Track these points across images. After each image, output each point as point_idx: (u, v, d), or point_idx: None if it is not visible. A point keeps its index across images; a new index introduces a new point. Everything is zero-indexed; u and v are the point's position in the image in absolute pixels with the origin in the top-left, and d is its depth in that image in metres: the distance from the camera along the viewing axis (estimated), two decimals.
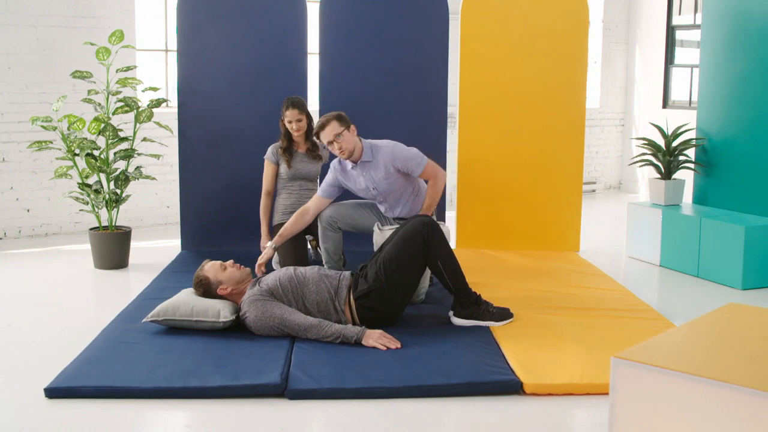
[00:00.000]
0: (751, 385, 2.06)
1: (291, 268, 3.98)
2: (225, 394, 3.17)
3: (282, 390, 3.19)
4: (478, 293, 4.05)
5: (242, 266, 3.99)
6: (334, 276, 3.96)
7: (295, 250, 4.79)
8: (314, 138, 4.74)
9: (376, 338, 3.63)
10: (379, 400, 3.16)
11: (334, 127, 4.37)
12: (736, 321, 2.79)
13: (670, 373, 2.15)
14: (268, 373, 3.27)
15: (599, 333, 3.90)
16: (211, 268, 3.94)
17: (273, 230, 5.17)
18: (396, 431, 2.92)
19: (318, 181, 5.30)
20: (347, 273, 4.01)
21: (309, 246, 5.41)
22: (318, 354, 3.52)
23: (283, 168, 5.16)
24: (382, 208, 4.71)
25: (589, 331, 3.93)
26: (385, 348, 3.59)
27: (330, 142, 4.40)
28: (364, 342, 3.63)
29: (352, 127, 4.46)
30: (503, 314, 4.01)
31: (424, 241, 3.86)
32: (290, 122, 5.04)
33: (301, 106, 5.06)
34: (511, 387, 3.25)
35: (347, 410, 3.08)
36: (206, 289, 3.92)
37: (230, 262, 3.99)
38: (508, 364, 3.44)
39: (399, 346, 3.62)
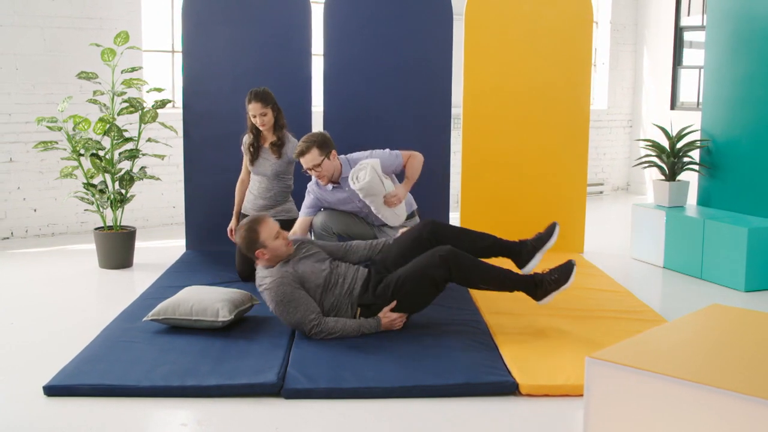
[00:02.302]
0: (725, 386, 2.06)
1: (328, 267, 3.90)
2: (222, 393, 3.19)
3: (279, 389, 3.20)
4: (532, 274, 3.94)
5: (291, 244, 3.91)
6: (351, 277, 3.91)
7: (242, 264, 4.85)
8: (294, 157, 4.61)
9: (394, 326, 3.85)
10: (375, 400, 3.17)
11: (314, 157, 4.38)
12: (717, 322, 2.78)
13: (643, 373, 2.15)
14: (265, 373, 3.29)
15: (597, 334, 3.90)
16: (266, 229, 3.81)
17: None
18: (392, 431, 2.93)
19: (277, 177, 5.04)
20: (363, 272, 3.95)
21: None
22: (315, 354, 3.53)
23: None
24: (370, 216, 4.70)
25: (587, 332, 3.93)
26: (401, 326, 3.87)
27: (309, 169, 4.43)
28: (384, 329, 3.83)
29: (333, 152, 4.44)
30: (565, 271, 3.91)
31: (450, 275, 3.76)
32: (254, 116, 4.88)
33: (264, 98, 4.85)
34: (507, 388, 3.25)
35: (343, 410, 3.09)
36: (249, 243, 3.81)
37: (285, 233, 3.90)
38: (505, 365, 3.45)
39: (404, 318, 3.88)
